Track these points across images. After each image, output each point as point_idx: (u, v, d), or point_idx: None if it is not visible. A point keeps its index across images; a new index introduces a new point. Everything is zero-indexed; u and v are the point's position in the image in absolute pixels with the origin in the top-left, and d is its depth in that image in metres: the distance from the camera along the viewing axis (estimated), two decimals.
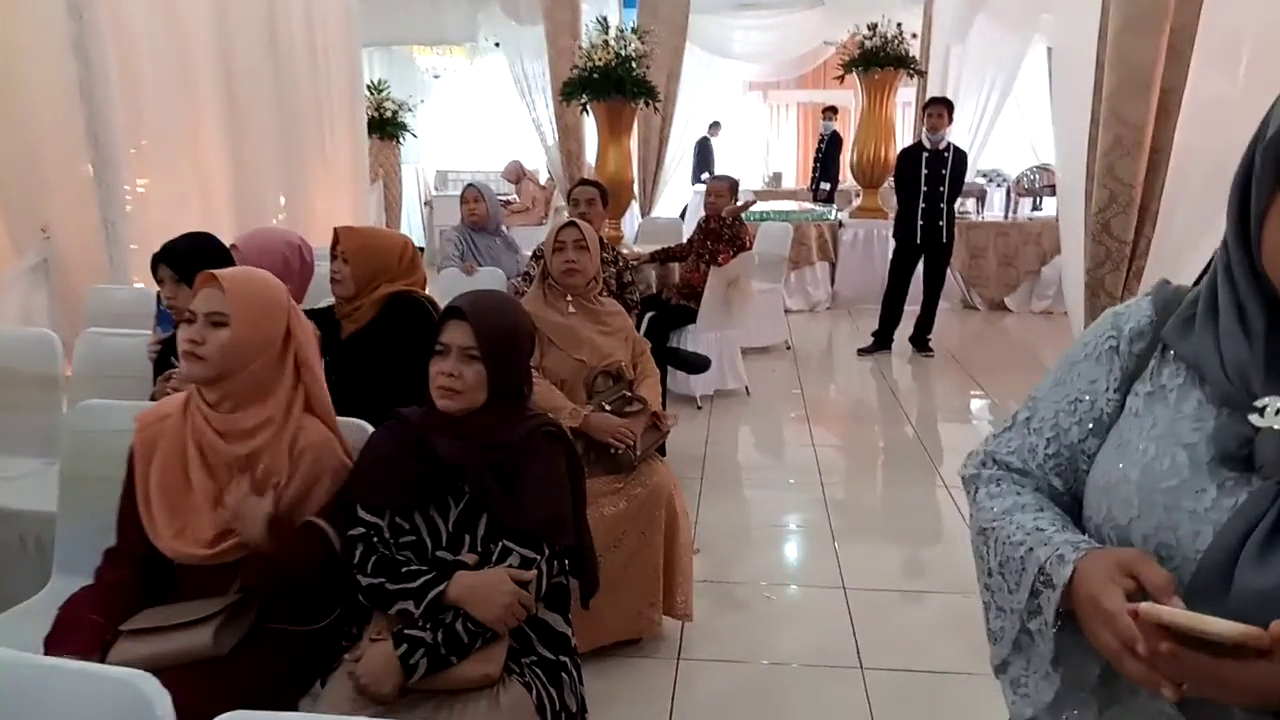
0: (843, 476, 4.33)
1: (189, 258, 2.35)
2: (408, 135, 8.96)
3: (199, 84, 4.51)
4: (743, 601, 3.09)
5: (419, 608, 1.56)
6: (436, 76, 11.46)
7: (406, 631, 1.55)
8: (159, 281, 2.45)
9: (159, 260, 2.44)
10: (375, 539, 1.65)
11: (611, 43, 5.68)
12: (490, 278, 4.35)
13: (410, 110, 8.71)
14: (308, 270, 2.68)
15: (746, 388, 5.43)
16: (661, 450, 3.60)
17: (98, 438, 2.13)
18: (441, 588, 1.56)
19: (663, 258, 5.64)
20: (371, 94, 8.41)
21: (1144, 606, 0.80)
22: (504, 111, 11.02)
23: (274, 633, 1.68)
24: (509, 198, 10.07)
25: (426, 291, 2.87)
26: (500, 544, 1.63)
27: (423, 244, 10.29)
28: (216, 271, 1.69)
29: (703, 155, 11.63)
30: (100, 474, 2.07)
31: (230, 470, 1.72)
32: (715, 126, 11.93)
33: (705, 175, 10.87)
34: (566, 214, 4.26)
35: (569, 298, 2.77)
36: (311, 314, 2.76)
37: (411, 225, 11.57)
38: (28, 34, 3.65)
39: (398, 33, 9.70)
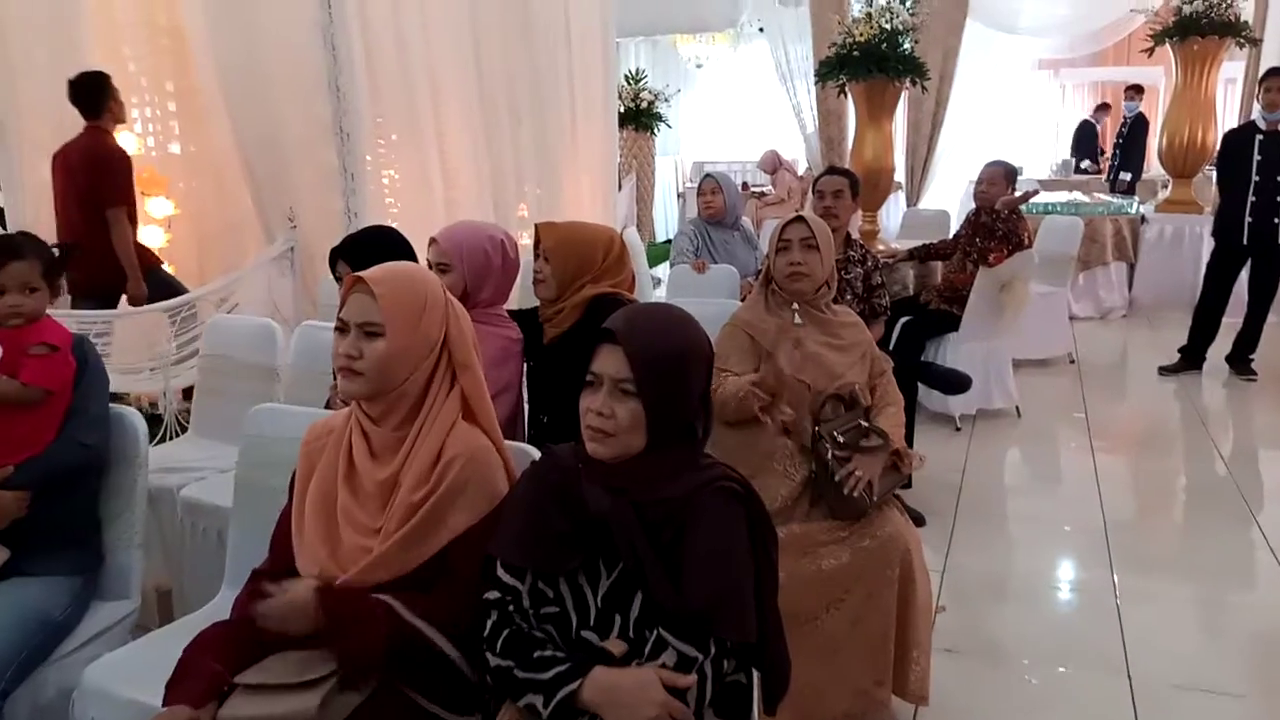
0: (1133, 523, 3.59)
1: (368, 253, 2.18)
2: (664, 126, 8.79)
3: (446, 73, 4.49)
4: (995, 682, 2.54)
5: (547, 707, 1.23)
6: (699, 65, 11.27)
7: None
8: (336, 278, 2.31)
9: (337, 255, 2.29)
10: (511, 606, 1.34)
11: (875, 16, 5.13)
12: (721, 275, 4.00)
13: (666, 100, 8.54)
14: (511, 267, 2.45)
15: (1017, 408, 4.71)
16: (907, 482, 3.12)
17: (271, 444, 2.01)
18: (575, 685, 1.22)
19: (923, 255, 5.03)
20: (629, 84, 8.31)
21: None
22: (765, 100, 10.66)
23: (400, 702, 1.43)
24: (764, 189, 9.72)
25: (652, 290, 2.59)
26: (656, 632, 1.27)
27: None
28: (364, 274, 1.46)
29: (1082, 141, 10.54)
30: (271, 483, 1.95)
31: (377, 493, 1.49)
32: (1102, 109, 10.78)
33: (1085, 163, 9.92)
34: (812, 206, 3.84)
35: (795, 305, 2.35)
36: (516, 315, 2.56)
37: (668, 217, 11.51)
38: (281, 25, 3.73)
39: (660, 21, 9.57)
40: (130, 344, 3.69)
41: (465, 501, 1.44)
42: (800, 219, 2.35)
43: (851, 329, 2.42)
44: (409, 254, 2.35)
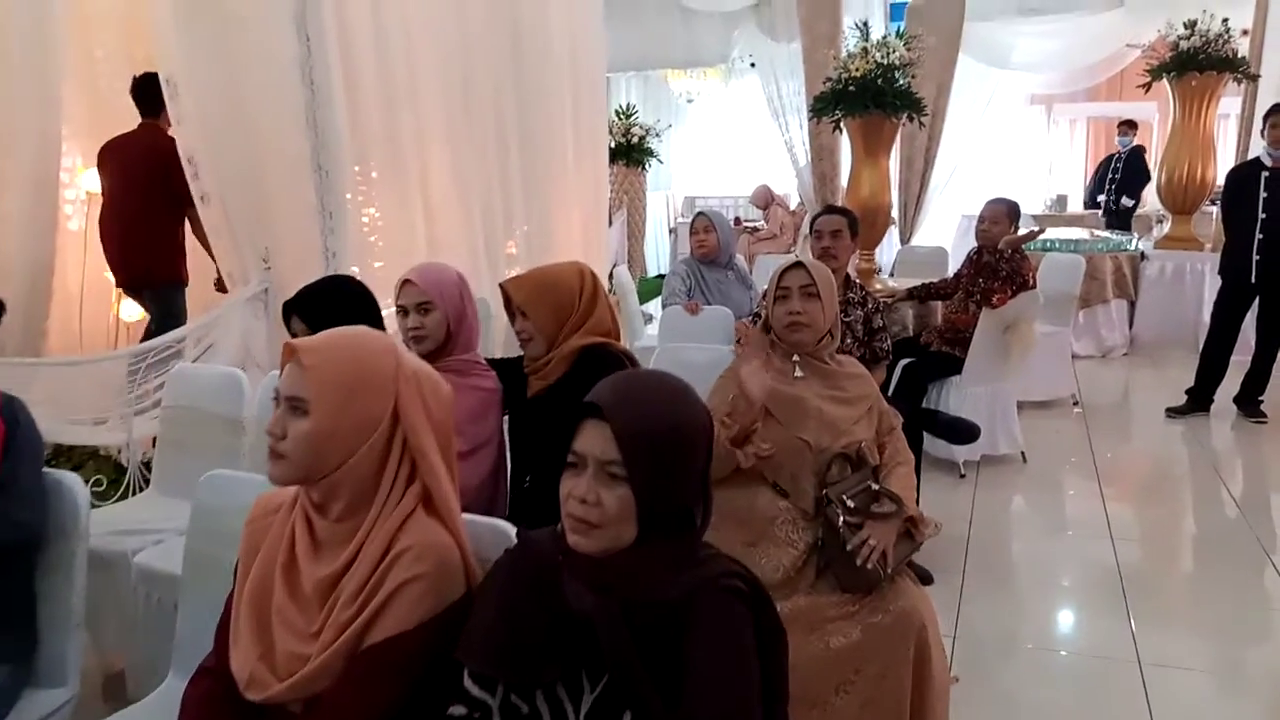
0: (1148, 574, 3.41)
1: (322, 306, 2.01)
2: (654, 161, 8.68)
3: (430, 108, 4.34)
4: None
5: None
6: (690, 100, 11.20)
7: None
8: (292, 335, 2.13)
9: (291, 309, 2.12)
10: None
11: (871, 50, 5.02)
12: (715, 317, 3.84)
13: (657, 135, 8.44)
14: (474, 309, 2.30)
15: (1023, 453, 4.54)
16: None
17: (224, 515, 1.82)
18: None
19: (923, 295, 4.88)
20: (620, 119, 8.21)
21: None
22: (757, 135, 10.60)
23: None
24: (756, 224, 9.62)
25: (643, 327, 2.42)
26: None
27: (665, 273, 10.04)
28: (298, 343, 1.29)
29: (1105, 175, 9.40)
30: (224, 559, 1.76)
31: (314, 593, 1.32)
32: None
33: (1101, 197, 9.38)
34: (809, 246, 3.69)
35: (795, 357, 2.19)
36: (497, 365, 2.39)
37: (659, 253, 11.40)
38: (258, 59, 3.58)
39: (651, 56, 9.51)
40: (91, 389, 3.49)
41: (406, 602, 1.24)
42: (799, 264, 2.20)
43: (857, 381, 2.26)
44: (368, 307, 2.18)
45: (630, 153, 8.20)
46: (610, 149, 7.73)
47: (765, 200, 9.31)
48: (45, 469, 1.85)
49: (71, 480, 1.84)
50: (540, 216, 5.26)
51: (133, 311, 4.75)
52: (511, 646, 1.15)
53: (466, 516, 1.53)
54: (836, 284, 3.43)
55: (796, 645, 1.99)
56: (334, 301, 2.10)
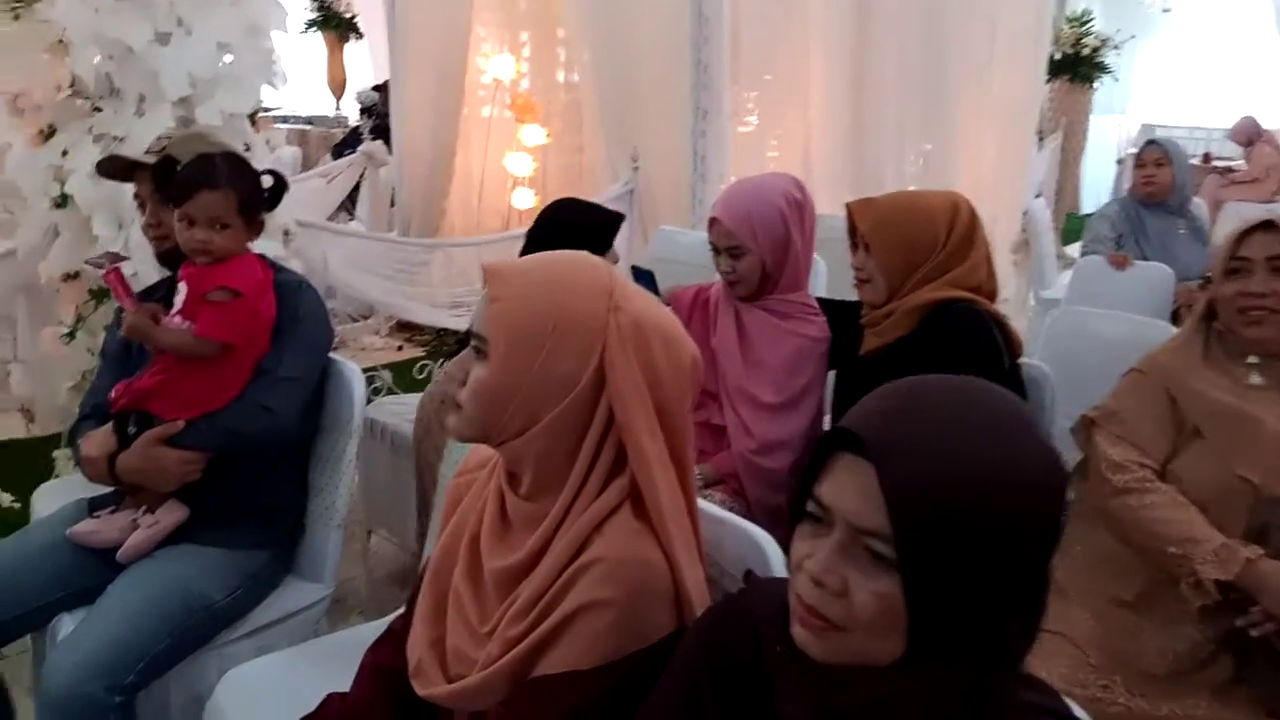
0: None
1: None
2: (1108, 78, 7.36)
3: (818, 9, 3.87)
4: None
5: None
6: (1166, 10, 9.43)
7: None
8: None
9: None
10: None
11: None
12: (1149, 276, 3.01)
13: (1116, 48, 7.10)
14: (810, 226, 1.83)
15: None
16: None
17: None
18: None
19: None
20: (1069, 28, 7.04)
21: None
22: (1247, 55, 8.64)
23: None
24: (1235, 163, 7.96)
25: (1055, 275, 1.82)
26: None
27: None
28: (491, 265, 0.98)
29: None
30: None
31: (493, 585, 1.03)
32: None
33: None
34: None
35: (1251, 360, 1.50)
36: (831, 308, 1.95)
37: (1101, 188, 9.91)
38: None
39: None
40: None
41: (585, 632, 0.92)
42: (1271, 224, 1.48)
43: None
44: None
45: (1077, 67, 6.99)
46: (1053, 62, 6.61)
47: (1250, 136, 7.62)
48: (333, 357, 1.77)
49: (350, 372, 1.73)
50: (944, 134, 4.58)
51: (525, 199, 4.90)
52: None
53: (710, 510, 1.16)
54: None
55: None
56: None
